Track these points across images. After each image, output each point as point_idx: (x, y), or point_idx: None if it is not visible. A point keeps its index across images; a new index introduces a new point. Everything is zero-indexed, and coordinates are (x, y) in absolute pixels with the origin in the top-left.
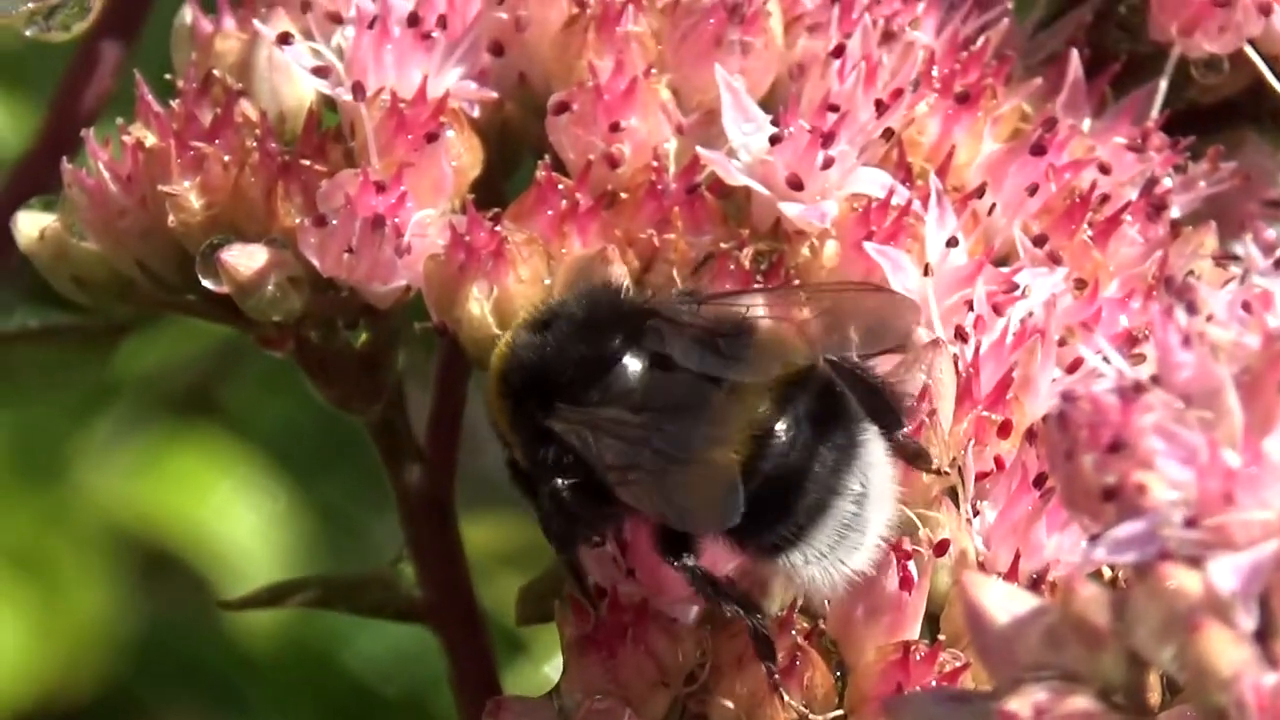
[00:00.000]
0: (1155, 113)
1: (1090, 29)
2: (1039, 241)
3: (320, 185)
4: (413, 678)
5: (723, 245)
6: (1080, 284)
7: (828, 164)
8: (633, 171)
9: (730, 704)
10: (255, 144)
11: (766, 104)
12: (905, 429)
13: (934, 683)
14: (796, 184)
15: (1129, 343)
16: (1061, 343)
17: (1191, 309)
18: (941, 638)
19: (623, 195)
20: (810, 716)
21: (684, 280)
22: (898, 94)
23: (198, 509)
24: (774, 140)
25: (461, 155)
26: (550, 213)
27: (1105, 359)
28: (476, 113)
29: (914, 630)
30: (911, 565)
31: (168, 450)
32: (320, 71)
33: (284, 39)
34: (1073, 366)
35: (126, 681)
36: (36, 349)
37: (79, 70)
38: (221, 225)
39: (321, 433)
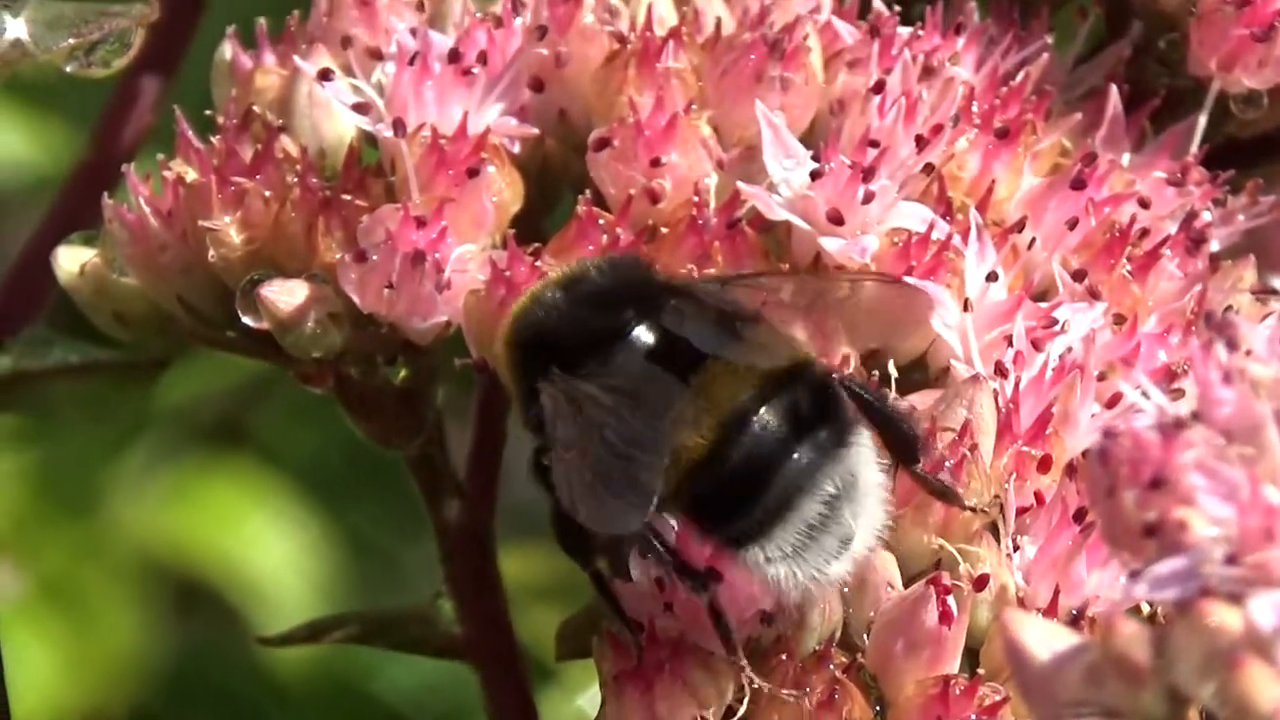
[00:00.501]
0: (1194, 147)
1: (1129, 64)
2: (1078, 276)
3: (361, 221)
4: (444, 708)
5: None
6: (1119, 319)
7: (868, 199)
8: (673, 206)
9: None
10: (296, 179)
11: (807, 139)
12: (921, 463)
13: (973, 717)
14: (837, 219)
15: (1168, 378)
16: (1100, 378)
17: (1231, 345)
18: (981, 672)
19: (663, 230)
20: None
21: None
22: (938, 129)
23: (229, 539)
24: (815, 175)
25: (502, 191)
26: (591, 247)
27: (1145, 394)
28: (517, 148)
29: (953, 664)
30: (951, 600)
31: (199, 481)
32: (361, 108)
33: (324, 75)
34: (1112, 401)
35: (158, 711)
36: (75, 384)
37: (118, 105)
38: (262, 261)
39: (350, 462)
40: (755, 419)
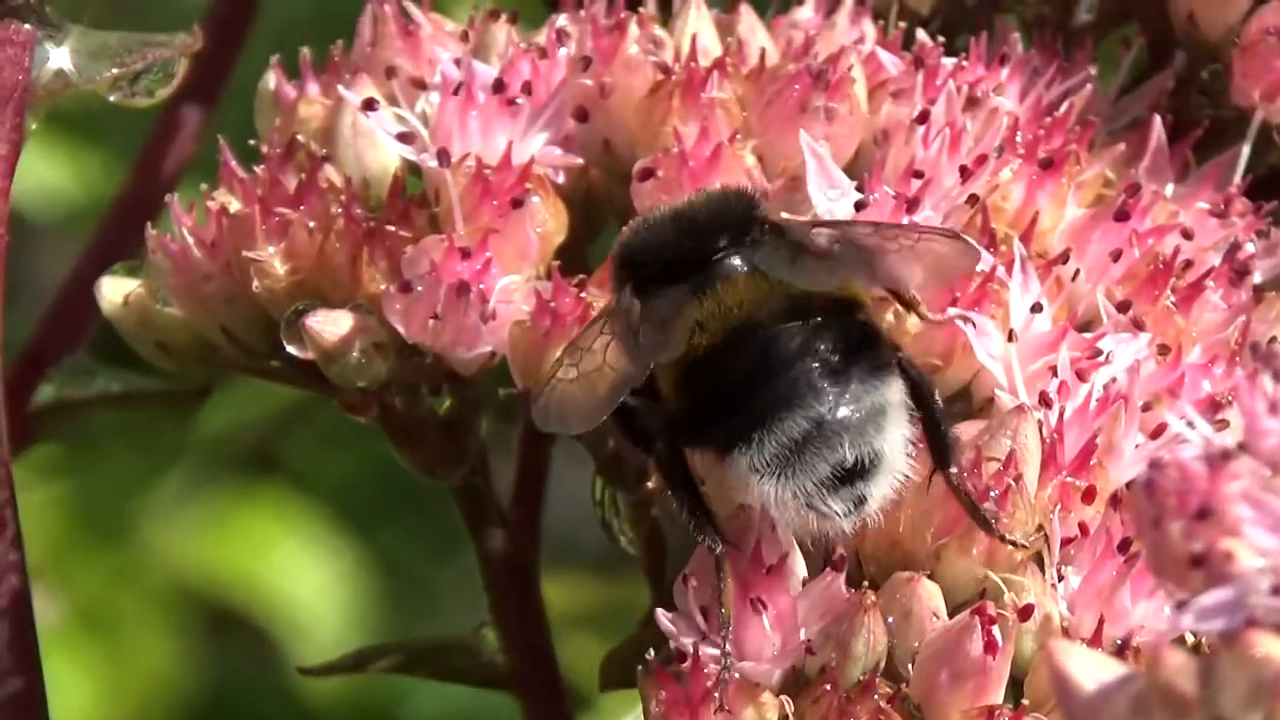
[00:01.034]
0: (1238, 178)
1: (1172, 94)
2: (1122, 307)
3: (405, 251)
4: None
5: None
6: (1163, 350)
7: None
8: None
9: None
10: (340, 210)
11: (851, 170)
12: (950, 469)
13: None
14: None
15: (1212, 409)
16: (1145, 408)
17: (1277, 376)
18: (1025, 702)
19: None
20: None
21: None
22: (982, 160)
23: (263, 566)
24: (859, 206)
25: (546, 221)
26: None
27: (1190, 425)
28: (561, 179)
29: (998, 694)
30: (996, 630)
31: (233, 508)
32: (405, 138)
33: (368, 105)
34: (1156, 432)
35: None
36: (117, 413)
37: (161, 135)
38: (306, 291)
39: (382, 488)
40: (763, 330)
